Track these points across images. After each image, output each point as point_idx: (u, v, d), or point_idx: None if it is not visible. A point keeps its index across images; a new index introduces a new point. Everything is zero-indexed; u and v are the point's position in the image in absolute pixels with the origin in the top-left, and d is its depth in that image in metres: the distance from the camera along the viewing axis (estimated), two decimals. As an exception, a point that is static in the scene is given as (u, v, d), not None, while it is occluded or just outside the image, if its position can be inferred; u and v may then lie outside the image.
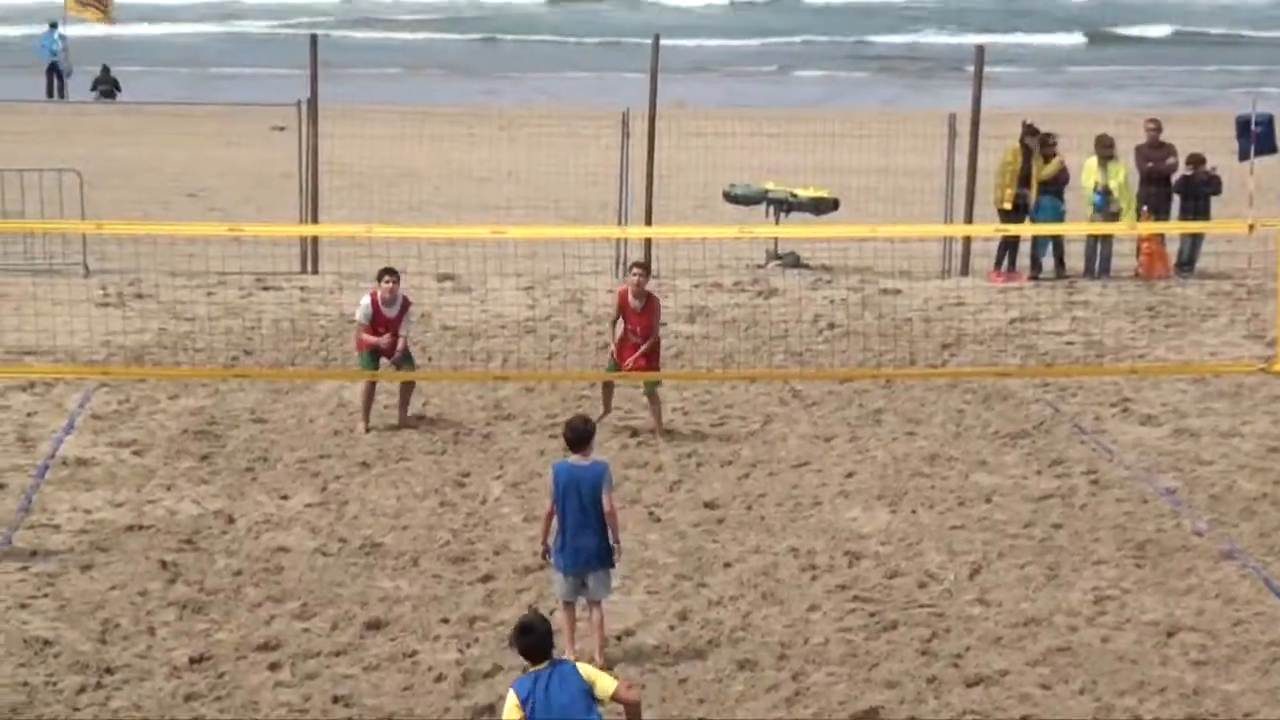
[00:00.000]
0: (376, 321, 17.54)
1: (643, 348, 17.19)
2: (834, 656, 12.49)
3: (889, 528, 15.02)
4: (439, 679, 12.04)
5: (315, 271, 23.97)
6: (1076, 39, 58.82)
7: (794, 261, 24.77)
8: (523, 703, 9.48)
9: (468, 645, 12.60)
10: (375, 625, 12.90)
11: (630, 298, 17.24)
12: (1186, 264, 24.76)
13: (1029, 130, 24.48)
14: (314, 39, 24.86)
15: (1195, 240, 24.79)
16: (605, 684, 9.64)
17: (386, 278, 17.61)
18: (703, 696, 11.90)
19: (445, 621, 12.99)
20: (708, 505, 15.53)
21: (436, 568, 14.04)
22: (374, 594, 13.49)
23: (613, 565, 12.33)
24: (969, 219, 24.40)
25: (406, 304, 17.65)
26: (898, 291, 23.41)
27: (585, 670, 9.70)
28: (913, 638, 12.79)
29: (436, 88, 45.06)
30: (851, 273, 24.35)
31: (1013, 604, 13.43)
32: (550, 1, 66.46)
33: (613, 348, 17.49)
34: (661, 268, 24.04)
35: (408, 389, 17.81)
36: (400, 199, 28.16)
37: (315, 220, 24.12)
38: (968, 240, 24.53)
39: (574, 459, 12.24)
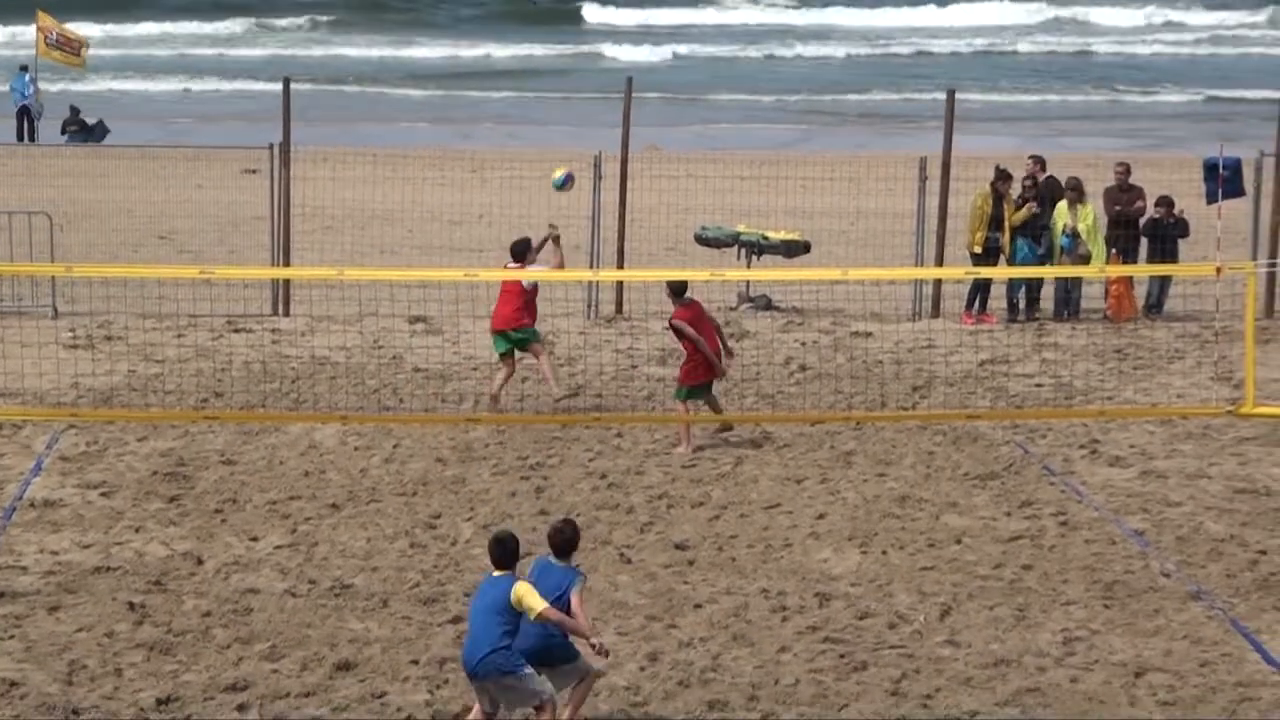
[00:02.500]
0: None
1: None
2: (804, 697, 12.50)
3: (859, 569, 15.04)
4: (408, 720, 12.02)
5: (287, 314, 23.97)
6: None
7: (765, 304, 24.82)
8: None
9: (437, 687, 12.58)
10: (345, 667, 12.87)
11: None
12: (1155, 307, 24.88)
13: (1000, 175, 24.59)
14: (287, 81, 24.97)
15: (1163, 283, 24.91)
16: (533, 602, 11.18)
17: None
18: (672, 738, 11.89)
19: (415, 663, 12.97)
20: (678, 547, 15.53)
21: (406, 609, 14.01)
22: (343, 635, 13.46)
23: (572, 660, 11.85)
24: (940, 262, 24.49)
25: None
26: (869, 334, 23.47)
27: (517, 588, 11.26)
28: (883, 679, 12.81)
29: (410, 133, 45.08)
30: (823, 315, 24.41)
31: (982, 645, 13.45)
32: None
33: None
34: (633, 310, 24.11)
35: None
36: (372, 242, 28.17)
37: (287, 263, 24.12)
38: (939, 283, 24.62)
39: (553, 560, 11.85)
